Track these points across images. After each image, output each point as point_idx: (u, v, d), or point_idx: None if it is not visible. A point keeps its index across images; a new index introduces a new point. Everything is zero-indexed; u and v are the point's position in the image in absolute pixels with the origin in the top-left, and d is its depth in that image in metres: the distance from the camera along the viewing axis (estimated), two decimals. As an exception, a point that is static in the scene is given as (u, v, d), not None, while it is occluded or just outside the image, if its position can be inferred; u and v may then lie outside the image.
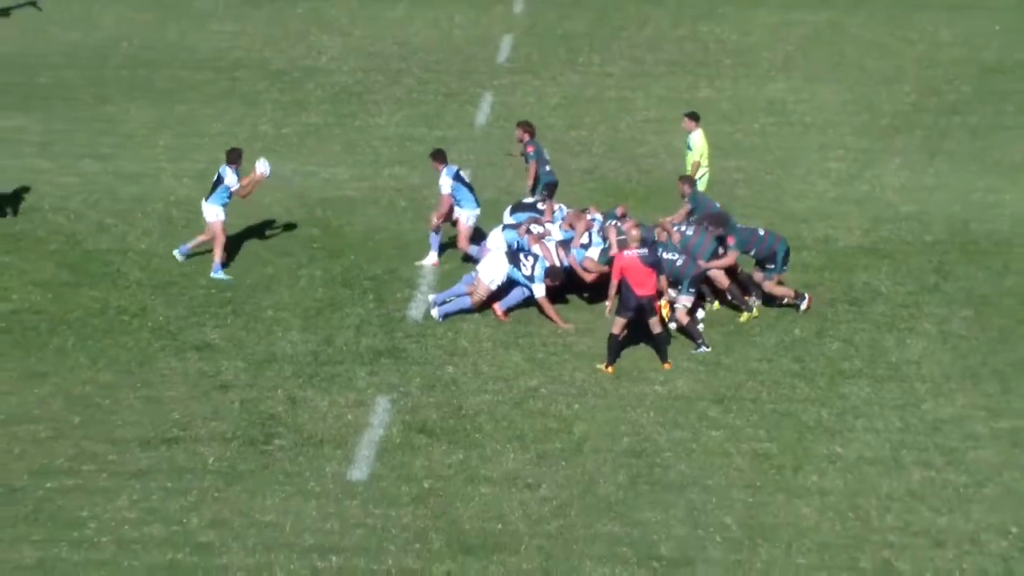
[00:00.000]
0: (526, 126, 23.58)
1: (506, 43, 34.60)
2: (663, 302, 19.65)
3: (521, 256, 20.63)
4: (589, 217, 21.41)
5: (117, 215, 24.30)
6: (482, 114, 29.66)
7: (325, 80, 31.79)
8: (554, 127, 28.88)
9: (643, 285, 19.20)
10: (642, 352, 19.77)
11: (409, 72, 32.25)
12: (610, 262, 20.19)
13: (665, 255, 20.13)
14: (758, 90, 31.53)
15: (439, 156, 22.52)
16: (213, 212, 22.19)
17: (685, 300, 20.12)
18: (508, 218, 21.86)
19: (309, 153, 27.46)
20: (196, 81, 31.59)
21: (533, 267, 20.50)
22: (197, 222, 23.77)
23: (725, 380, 19.16)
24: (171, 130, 28.51)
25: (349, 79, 31.67)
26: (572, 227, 21.30)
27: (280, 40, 34.67)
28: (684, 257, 20.28)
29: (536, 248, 20.86)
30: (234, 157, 22.48)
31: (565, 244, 21.01)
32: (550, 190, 23.12)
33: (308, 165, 26.79)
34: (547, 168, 23.47)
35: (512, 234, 21.27)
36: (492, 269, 20.66)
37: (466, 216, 22.32)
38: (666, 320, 19.86)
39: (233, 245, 23.05)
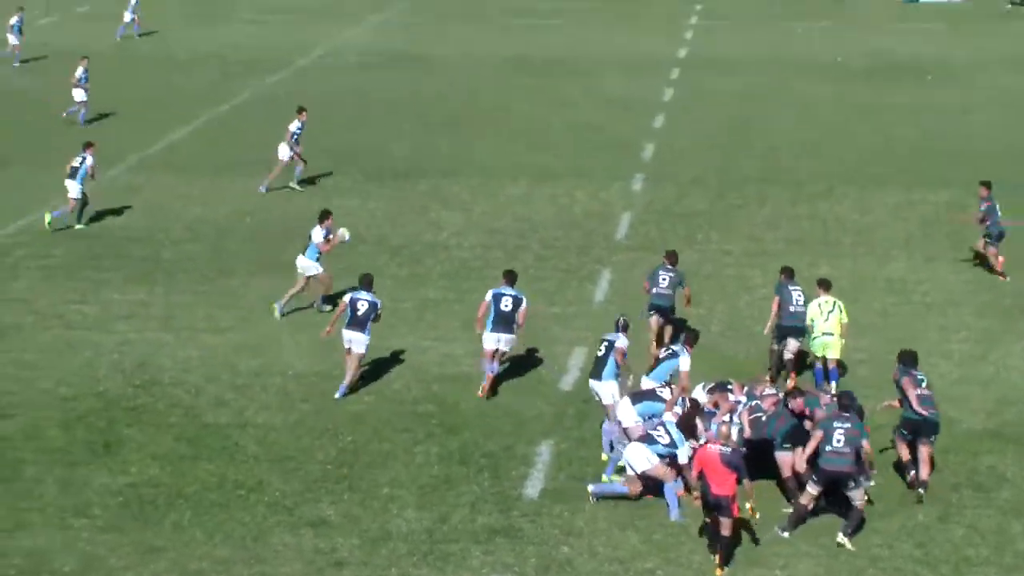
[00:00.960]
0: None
1: (625, 220, 34.81)
2: (748, 505, 19.16)
3: (654, 431, 20.57)
4: (733, 399, 21.29)
5: (236, 389, 24.58)
6: (600, 291, 29.75)
7: (445, 255, 32.14)
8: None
9: (720, 484, 18.66)
10: (763, 533, 19.46)
11: (528, 248, 32.53)
12: (745, 444, 20.26)
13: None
14: (878, 269, 31.38)
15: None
16: (310, 266, 27.71)
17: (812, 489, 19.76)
18: (629, 408, 21.41)
19: (427, 328, 27.65)
20: (317, 256, 32.05)
21: (670, 435, 20.47)
22: (314, 397, 24.00)
23: (847, 565, 18.77)
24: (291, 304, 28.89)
25: (469, 255, 32.00)
26: (716, 406, 21.17)
27: (400, 215, 35.19)
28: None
29: (669, 416, 20.86)
30: (323, 216, 28.19)
31: (707, 417, 20.95)
32: None
33: (425, 340, 26.96)
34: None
35: (644, 406, 21.28)
36: (637, 458, 20.41)
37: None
38: (749, 519, 19.32)
39: (350, 420, 23.20)
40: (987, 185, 31.05)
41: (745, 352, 26.41)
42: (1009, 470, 21.64)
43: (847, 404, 20.03)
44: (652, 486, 20.46)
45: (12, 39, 54.30)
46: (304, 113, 37.89)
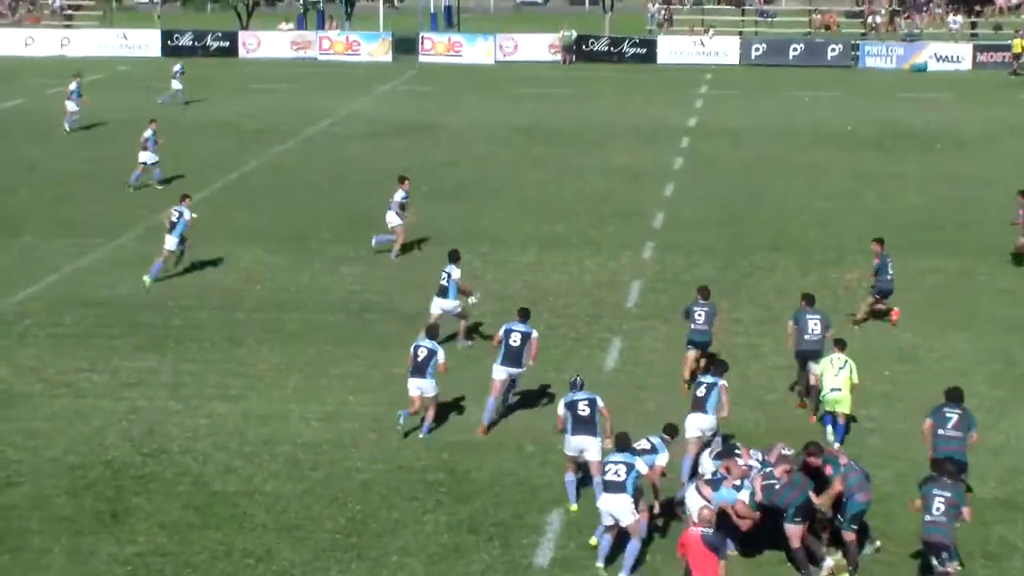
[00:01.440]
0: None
1: (635, 288, 34.85)
2: None
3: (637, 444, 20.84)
4: (742, 463, 21.21)
5: (244, 457, 24.56)
6: (610, 359, 29.74)
7: (455, 323, 32.14)
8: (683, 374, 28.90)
9: (700, 568, 18.19)
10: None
11: (538, 316, 32.44)
12: (759, 508, 20.21)
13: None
14: (890, 337, 31.35)
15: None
16: (449, 305, 29.62)
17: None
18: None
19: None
20: (326, 323, 32.15)
21: (651, 442, 21.13)
22: (323, 465, 23.99)
23: (859, 637, 18.63)
24: (300, 372, 28.92)
25: (479, 322, 32.02)
26: (728, 471, 21.02)
27: (412, 284, 35.29)
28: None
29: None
30: (454, 257, 30.10)
31: (712, 483, 20.69)
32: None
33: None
34: None
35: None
36: (622, 510, 20.40)
37: None
38: None
39: (359, 488, 23.16)
40: (880, 242, 32.53)
41: (755, 420, 26.32)
42: (1020, 539, 21.54)
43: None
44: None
45: (71, 105, 55.53)
46: (407, 182, 38.29)
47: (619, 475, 20.43)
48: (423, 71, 76.95)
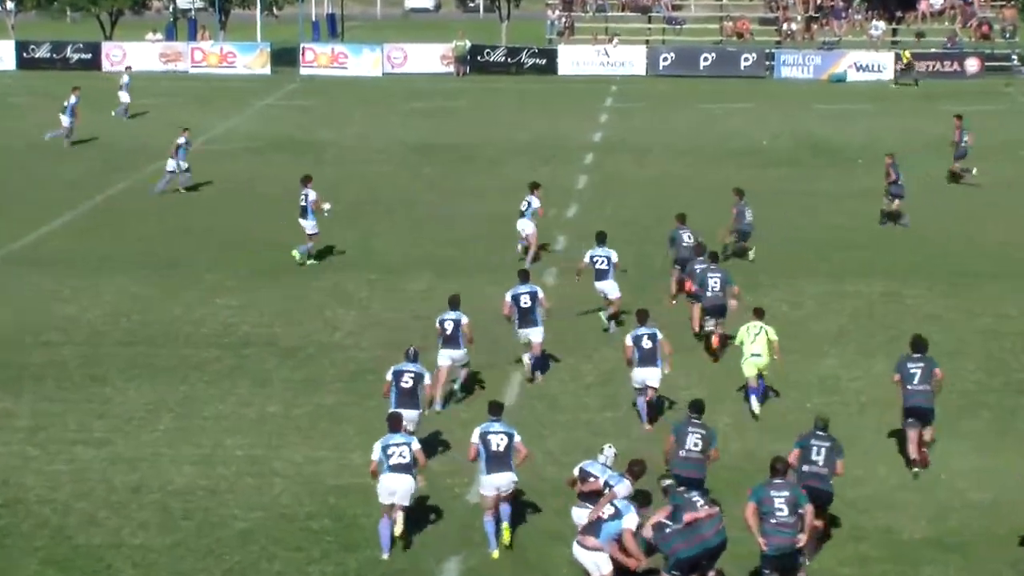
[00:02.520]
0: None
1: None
2: None
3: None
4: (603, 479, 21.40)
5: (110, 507, 24.15)
6: (512, 393, 29.59)
7: (341, 357, 31.97)
8: (589, 407, 28.87)
9: None
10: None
11: (432, 351, 32.32)
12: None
13: None
14: (810, 366, 31.55)
15: None
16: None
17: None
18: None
19: (321, 437, 27.41)
20: (200, 359, 31.81)
21: (615, 507, 20.35)
22: (197, 514, 23.65)
23: None
24: (171, 412, 28.56)
25: (366, 356, 31.80)
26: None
27: (293, 314, 35.00)
28: None
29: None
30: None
31: (591, 528, 20.40)
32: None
33: (321, 450, 26.72)
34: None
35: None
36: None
37: None
38: None
39: (237, 539, 22.84)
40: (739, 192, 39.96)
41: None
42: (953, 581, 21.67)
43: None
44: None
45: (64, 120, 56.98)
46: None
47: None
48: (305, 84, 76.71)
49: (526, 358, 30.29)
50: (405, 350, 26.12)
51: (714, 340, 31.94)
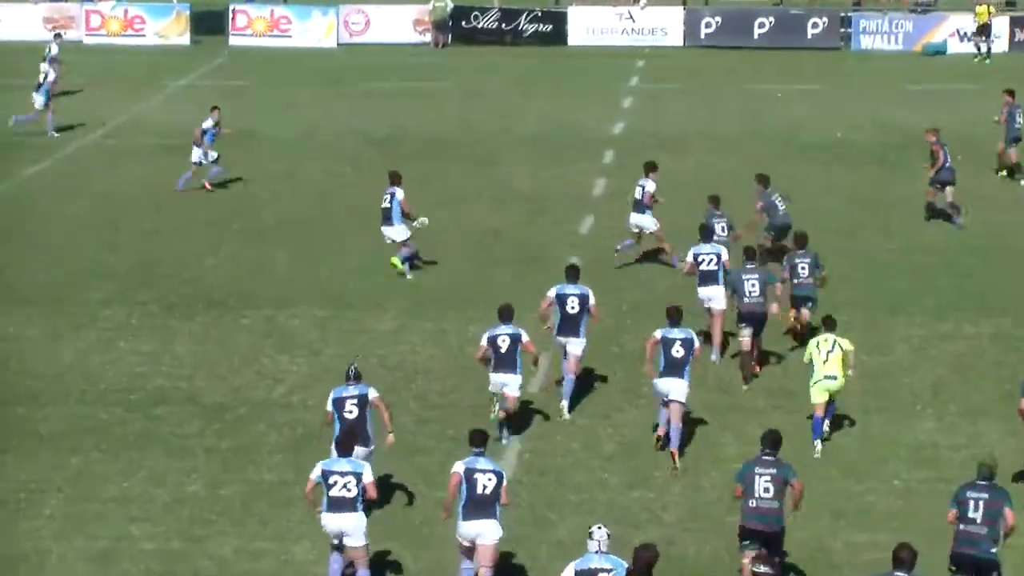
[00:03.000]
0: None
1: (542, 366, 34.14)
2: None
3: None
4: None
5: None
6: (507, 466, 29.56)
7: (283, 419, 32.02)
8: (608, 485, 28.98)
9: None
10: None
11: (403, 407, 32.42)
12: None
13: None
14: (900, 430, 31.63)
15: None
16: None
17: None
18: None
19: (258, 524, 27.49)
20: (98, 422, 31.85)
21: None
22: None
23: None
24: (60, 493, 28.60)
25: (316, 417, 31.90)
26: None
27: (219, 363, 35.05)
28: None
29: None
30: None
31: None
32: None
33: (257, 541, 26.80)
34: None
35: None
36: None
37: None
38: None
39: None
40: (763, 179, 42.67)
41: (713, 551, 26.46)
42: None
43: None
44: None
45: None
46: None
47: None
48: (236, 58, 76.75)
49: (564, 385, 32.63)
50: (345, 370, 27.47)
51: (745, 346, 34.31)
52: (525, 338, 30.77)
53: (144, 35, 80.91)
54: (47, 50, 63.58)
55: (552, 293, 32.57)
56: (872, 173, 52.97)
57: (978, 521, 23.54)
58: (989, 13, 76.91)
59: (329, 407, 27.18)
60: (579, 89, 67.95)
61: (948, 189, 45.92)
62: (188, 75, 71.76)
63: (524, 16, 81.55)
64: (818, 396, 30.73)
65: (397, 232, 41.11)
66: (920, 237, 45.23)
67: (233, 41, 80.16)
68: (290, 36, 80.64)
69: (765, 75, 71.17)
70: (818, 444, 30.49)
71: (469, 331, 36.58)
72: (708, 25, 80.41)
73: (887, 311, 38.63)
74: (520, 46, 79.87)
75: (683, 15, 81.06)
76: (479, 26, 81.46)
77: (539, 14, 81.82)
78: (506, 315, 30.98)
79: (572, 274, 32.96)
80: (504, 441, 30.80)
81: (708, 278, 35.43)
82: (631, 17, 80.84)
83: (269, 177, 51.58)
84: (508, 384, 30.58)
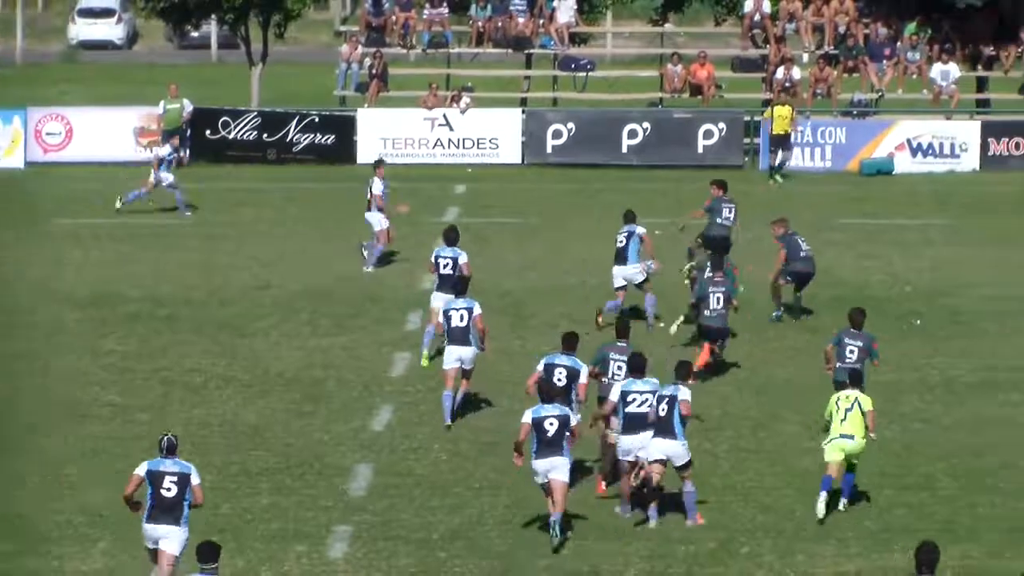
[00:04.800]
0: None
1: None
2: None
3: None
4: None
5: None
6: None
7: None
8: None
9: None
10: None
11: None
12: None
13: None
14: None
15: None
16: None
17: None
18: None
19: None
20: None
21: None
22: None
23: None
24: None
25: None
26: None
27: None
28: None
29: None
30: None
31: None
32: None
33: None
34: None
35: None
36: None
37: None
38: None
39: None
40: (783, 223, 54.90)
41: None
42: None
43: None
44: None
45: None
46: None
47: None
48: None
49: None
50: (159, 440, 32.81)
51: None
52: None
53: None
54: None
55: (540, 366, 40.80)
56: (802, 342, 52.52)
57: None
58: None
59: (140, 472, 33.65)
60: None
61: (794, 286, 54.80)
62: None
63: (295, 122, 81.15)
64: (832, 455, 37.51)
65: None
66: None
67: None
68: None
69: (638, 205, 70.88)
70: (822, 504, 37.63)
71: None
72: (557, 135, 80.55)
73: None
74: (289, 165, 79.73)
75: (522, 120, 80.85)
76: (230, 136, 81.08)
77: (316, 119, 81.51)
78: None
79: (568, 344, 41.29)
80: None
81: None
82: (447, 123, 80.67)
83: None
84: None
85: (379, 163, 63.07)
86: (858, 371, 40.20)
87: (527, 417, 37.70)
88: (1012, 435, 45.09)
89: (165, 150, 65.51)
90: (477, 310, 45.02)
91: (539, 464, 37.49)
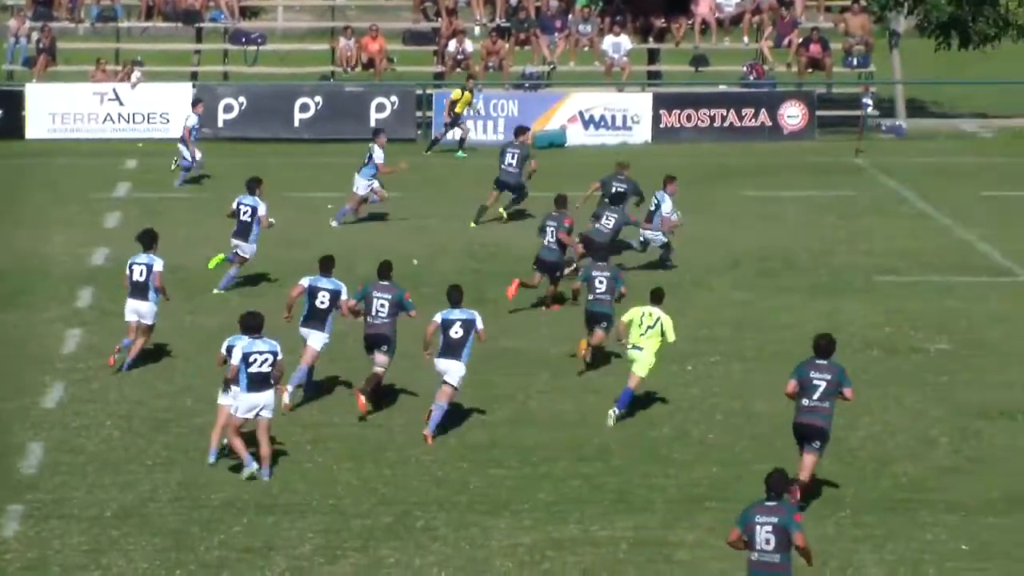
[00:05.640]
0: None
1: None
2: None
3: None
4: None
5: None
6: None
7: None
8: None
9: None
10: None
11: None
12: None
13: None
14: None
15: None
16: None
17: None
18: None
19: None
20: None
21: None
22: None
23: None
24: None
25: None
26: None
27: None
28: None
29: None
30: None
31: None
32: None
33: None
34: None
35: None
36: None
37: None
38: None
39: None
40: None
41: None
42: None
43: None
44: None
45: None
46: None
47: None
48: None
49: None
50: None
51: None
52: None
53: None
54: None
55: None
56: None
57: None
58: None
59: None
60: (40, 203, 67.59)
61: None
62: None
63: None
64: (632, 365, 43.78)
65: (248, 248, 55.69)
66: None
67: None
68: None
69: (309, 179, 70.89)
70: (613, 413, 43.60)
71: None
72: (229, 109, 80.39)
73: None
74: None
75: (194, 92, 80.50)
76: None
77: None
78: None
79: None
80: None
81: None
82: (117, 98, 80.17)
83: None
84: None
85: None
86: (603, 312, 46.62)
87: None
88: (684, 405, 45.57)
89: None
90: (158, 267, 47.21)
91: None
